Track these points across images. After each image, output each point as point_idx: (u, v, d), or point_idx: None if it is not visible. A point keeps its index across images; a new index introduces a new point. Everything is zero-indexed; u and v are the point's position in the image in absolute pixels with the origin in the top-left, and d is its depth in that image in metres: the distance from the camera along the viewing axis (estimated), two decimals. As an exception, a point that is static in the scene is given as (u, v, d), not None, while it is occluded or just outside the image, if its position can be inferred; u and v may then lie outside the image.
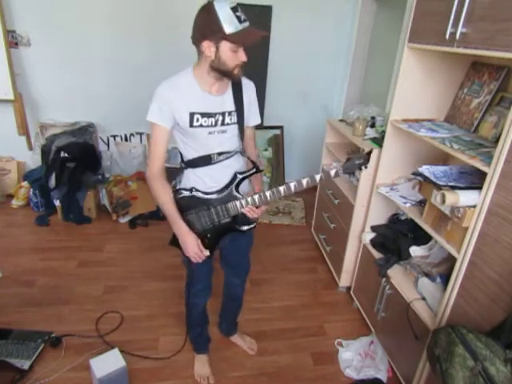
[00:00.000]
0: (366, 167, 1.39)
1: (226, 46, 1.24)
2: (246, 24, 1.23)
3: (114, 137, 3.63)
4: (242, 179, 1.50)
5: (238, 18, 1.21)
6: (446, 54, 1.69)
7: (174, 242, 1.59)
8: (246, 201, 1.44)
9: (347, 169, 1.38)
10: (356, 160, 1.37)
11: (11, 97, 3.14)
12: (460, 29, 1.35)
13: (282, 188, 1.40)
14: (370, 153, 1.41)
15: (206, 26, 1.23)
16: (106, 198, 3.26)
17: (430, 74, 1.80)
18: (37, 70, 3.27)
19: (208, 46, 1.25)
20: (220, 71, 1.30)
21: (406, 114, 1.87)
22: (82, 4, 3.10)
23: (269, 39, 3.44)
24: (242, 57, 1.28)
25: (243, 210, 1.45)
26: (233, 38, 1.22)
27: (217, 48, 1.25)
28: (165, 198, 1.42)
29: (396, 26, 2.75)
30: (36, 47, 3.19)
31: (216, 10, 1.19)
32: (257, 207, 1.46)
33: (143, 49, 3.33)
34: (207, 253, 1.48)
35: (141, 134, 3.62)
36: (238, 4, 1.24)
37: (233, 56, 1.26)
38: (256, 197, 1.42)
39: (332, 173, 1.37)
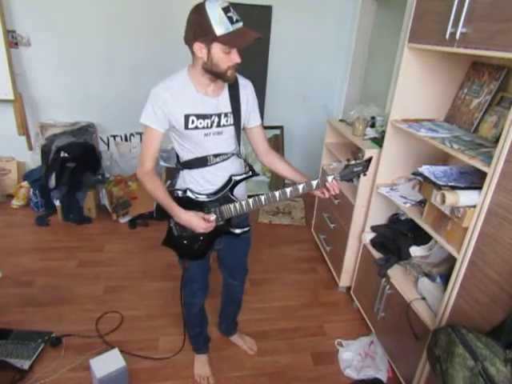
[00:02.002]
0: (364, 175, 1.38)
1: (217, 48, 1.22)
2: (239, 25, 1.21)
3: (114, 137, 3.63)
4: (238, 182, 1.49)
5: (230, 18, 1.18)
6: (446, 53, 1.69)
7: (167, 242, 1.59)
8: (240, 204, 1.43)
9: (345, 176, 1.36)
10: (354, 168, 1.35)
11: (11, 97, 3.14)
12: (460, 29, 1.35)
13: (277, 193, 1.38)
14: (369, 160, 1.37)
15: (196, 27, 1.21)
16: (106, 198, 3.26)
17: (430, 73, 1.80)
18: (37, 70, 3.27)
19: (199, 48, 1.23)
20: (213, 73, 1.28)
21: (405, 113, 1.87)
22: (82, 4, 3.10)
23: (269, 39, 3.44)
24: (235, 58, 1.26)
25: (328, 184, 1.36)
26: (224, 40, 1.20)
27: (208, 50, 1.23)
28: (158, 191, 1.40)
29: (396, 25, 2.75)
30: (36, 47, 3.19)
31: (207, 10, 1.17)
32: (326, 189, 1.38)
33: (143, 49, 3.33)
34: (213, 217, 1.44)
35: (141, 134, 3.62)
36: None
37: (225, 57, 1.24)
38: (251, 201, 1.41)
39: (329, 179, 1.36)
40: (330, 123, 2.77)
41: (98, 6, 3.13)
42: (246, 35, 1.21)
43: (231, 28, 1.19)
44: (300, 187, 1.37)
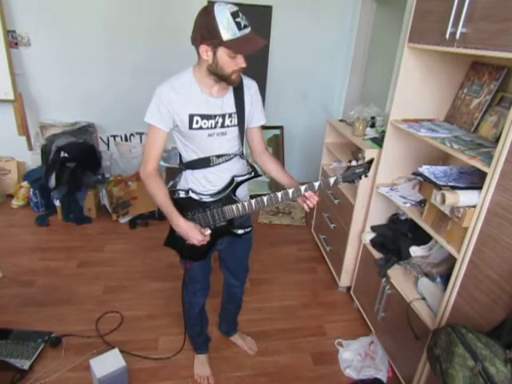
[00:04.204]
0: (366, 176, 1.38)
1: (223, 52, 1.22)
2: (246, 31, 1.20)
3: (114, 137, 3.63)
4: (240, 183, 1.49)
5: (238, 24, 1.17)
6: (446, 53, 1.69)
7: (169, 242, 1.59)
8: (243, 205, 1.43)
9: (347, 177, 1.37)
10: (356, 169, 1.36)
11: (11, 97, 3.14)
12: (460, 29, 1.35)
13: (279, 194, 1.38)
14: (370, 162, 1.38)
15: (203, 30, 1.20)
16: (106, 198, 3.26)
17: (429, 73, 1.80)
18: (37, 70, 3.27)
19: (205, 50, 1.23)
20: (217, 75, 1.29)
21: (405, 113, 1.87)
22: (82, 4, 3.10)
23: (269, 39, 3.44)
24: (240, 63, 1.26)
25: (306, 194, 1.37)
26: (230, 45, 1.19)
27: (214, 53, 1.23)
28: (160, 196, 1.40)
29: (396, 25, 2.75)
30: (36, 47, 3.19)
31: (215, 14, 1.16)
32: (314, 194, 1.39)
33: (143, 49, 3.33)
34: (208, 231, 1.45)
35: (141, 134, 3.62)
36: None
37: (230, 62, 1.24)
38: (253, 201, 1.41)
39: (331, 181, 1.36)
40: (330, 123, 2.77)
41: (98, 5, 3.13)
42: (252, 42, 1.21)
43: (238, 34, 1.18)
44: (302, 188, 1.37)
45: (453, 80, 1.83)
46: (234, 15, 1.17)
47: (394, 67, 2.78)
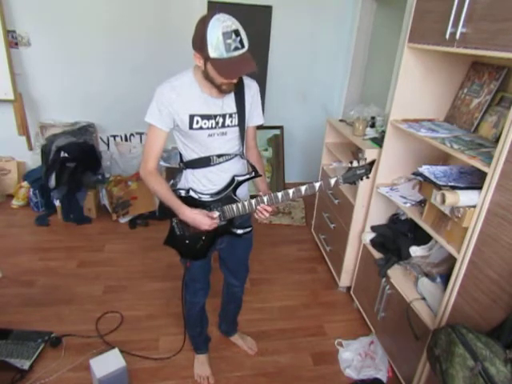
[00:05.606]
0: (367, 177, 1.39)
1: (210, 66, 1.22)
2: (235, 53, 1.18)
3: (114, 137, 3.63)
4: (240, 182, 1.49)
5: (228, 45, 1.15)
6: (446, 53, 1.69)
7: (169, 241, 1.59)
8: (243, 204, 1.43)
9: (348, 179, 1.37)
10: (357, 170, 1.36)
11: (11, 97, 3.14)
12: (460, 29, 1.35)
13: (279, 194, 1.38)
14: (372, 163, 1.38)
15: (197, 39, 1.21)
16: (106, 198, 3.26)
17: (429, 73, 1.80)
18: (37, 70, 3.27)
19: (198, 58, 1.24)
20: (209, 81, 1.29)
21: (405, 113, 1.87)
22: (82, 4, 3.10)
23: (268, 39, 3.45)
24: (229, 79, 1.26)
25: (258, 207, 1.41)
26: (214, 64, 1.19)
27: (204, 63, 1.23)
28: (163, 191, 1.41)
29: (396, 26, 2.76)
30: (36, 47, 3.19)
31: (207, 30, 1.15)
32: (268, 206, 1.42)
33: (143, 49, 3.33)
34: (216, 214, 1.45)
35: (141, 134, 3.62)
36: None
37: (219, 76, 1.24)
38: (253, 201, 1.41)
39: (332, 182, 1.36)
40: (330, 123, 2.77)
41: (98, 6, 3.13)
42: (238, 67, 1.20)
43: (225, 55, 1.17)
44: (302, 189, 1.37)
45: (453, 80, 1.83)
46: (226, 36, 1.15)
47: (394, 67, 2.78)
